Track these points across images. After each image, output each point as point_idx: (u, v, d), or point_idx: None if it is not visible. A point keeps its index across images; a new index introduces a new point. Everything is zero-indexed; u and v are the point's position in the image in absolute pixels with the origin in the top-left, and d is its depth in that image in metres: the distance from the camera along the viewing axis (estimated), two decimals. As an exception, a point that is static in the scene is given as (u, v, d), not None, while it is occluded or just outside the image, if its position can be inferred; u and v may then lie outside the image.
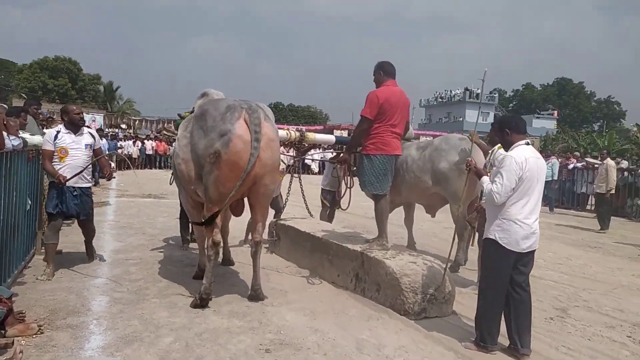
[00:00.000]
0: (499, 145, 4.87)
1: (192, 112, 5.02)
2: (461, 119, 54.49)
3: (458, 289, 4.89)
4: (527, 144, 3.64)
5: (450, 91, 59.20)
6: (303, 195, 7.08)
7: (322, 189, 7.97)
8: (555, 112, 61.06)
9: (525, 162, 3.49)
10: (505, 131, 3.69)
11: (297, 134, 5.98)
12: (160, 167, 25.01)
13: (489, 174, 3.87)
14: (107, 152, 12.68)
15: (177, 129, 5.37)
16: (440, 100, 60.60)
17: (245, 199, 4.75)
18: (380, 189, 5.02)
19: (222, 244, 4.79)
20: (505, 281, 3.56)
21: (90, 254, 5.83)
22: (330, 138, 6.88)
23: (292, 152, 6.72)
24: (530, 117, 56.29)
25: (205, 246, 4.66)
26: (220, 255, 5.38)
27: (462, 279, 5.84)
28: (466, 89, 56.66)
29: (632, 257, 8.38)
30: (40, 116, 6.98)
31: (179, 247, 6.84)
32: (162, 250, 6.66)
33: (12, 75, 47.90)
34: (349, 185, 5.86)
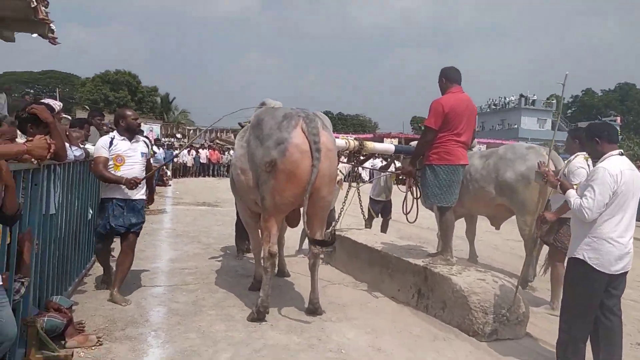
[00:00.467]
0: (578, 154, 4.51)
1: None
2: (516, 126, 52.68)
3: (531, 308, 4.52)
4: (621, 154, 3.26)
5: (505, 98, 57.31)
6: (361, 205, 6.89)
7: (370, 198, 7.77)
8: (618, 118, 57.84)
9: (620, 174, 3.13)
10: (595, 140, 3.32)
11: (356, 143, 5.76)
12: (214, 176, 25.49)
13: (575, 187, 3.50)
14: (163, 162, 12.87)
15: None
16: (494, 107, 58.76)
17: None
18: (445, 200, 4.73)
19: (277, 256, 4.68)
20: (595, 306, 3.20)
21: (117, 281, 4.63)
22: (390, 147, 6.69)
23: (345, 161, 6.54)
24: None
25: (262, 257, 4.54)
26: (276, 266, 5.24)
27: (533, 297, 5.43)
28: (521, 96, 54.72)
29: None
30: (104, 127, 7.12)
31: (235, 257, 6.78)
32: (218, 259, 6.62)
33: (75, 89, 50.57)
34: (415, 196, 5.57)
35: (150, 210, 10.11)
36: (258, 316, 4.23)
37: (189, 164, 25.00)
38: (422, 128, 4.73)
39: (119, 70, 47.61)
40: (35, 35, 11.20)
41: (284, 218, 4.61)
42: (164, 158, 16.63)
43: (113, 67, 48.69)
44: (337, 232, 6.52)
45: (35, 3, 8.66)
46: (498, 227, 6.75)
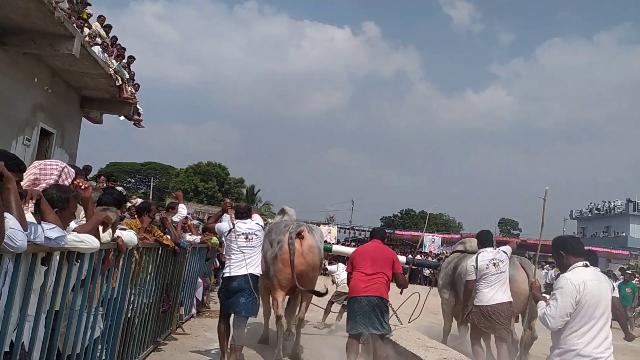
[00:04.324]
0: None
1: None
2: (624, 234, 47.41)
3: None
4: (586, 265, 3.32)
5: (610, 202, 52.47)
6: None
7: None
8: None
9: (583, 284, 3.18)
10: (560, 253, 3.43)
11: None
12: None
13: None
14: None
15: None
16: (596, 212, 53.93)
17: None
18: None
19: (283, 318, 5.88)
20: None
21: None
22: (349, 251, 7.25)
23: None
24: None
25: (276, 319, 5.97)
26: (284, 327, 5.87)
27: None
28: (629, 201, 49.81)
29: None
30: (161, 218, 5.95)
31: None
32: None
33: (170, 178, 53.41)
34: None
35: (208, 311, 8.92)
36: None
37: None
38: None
39: (211, 162, 50.01)
40: (121, 117, 11.15)
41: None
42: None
43: (205, 159, 51.33)
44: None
45: (120, 82, 8.38)
46: None
